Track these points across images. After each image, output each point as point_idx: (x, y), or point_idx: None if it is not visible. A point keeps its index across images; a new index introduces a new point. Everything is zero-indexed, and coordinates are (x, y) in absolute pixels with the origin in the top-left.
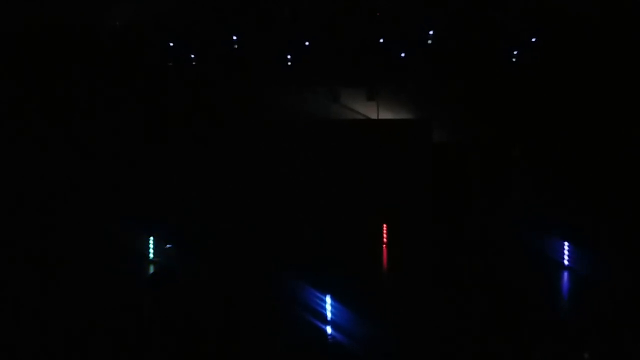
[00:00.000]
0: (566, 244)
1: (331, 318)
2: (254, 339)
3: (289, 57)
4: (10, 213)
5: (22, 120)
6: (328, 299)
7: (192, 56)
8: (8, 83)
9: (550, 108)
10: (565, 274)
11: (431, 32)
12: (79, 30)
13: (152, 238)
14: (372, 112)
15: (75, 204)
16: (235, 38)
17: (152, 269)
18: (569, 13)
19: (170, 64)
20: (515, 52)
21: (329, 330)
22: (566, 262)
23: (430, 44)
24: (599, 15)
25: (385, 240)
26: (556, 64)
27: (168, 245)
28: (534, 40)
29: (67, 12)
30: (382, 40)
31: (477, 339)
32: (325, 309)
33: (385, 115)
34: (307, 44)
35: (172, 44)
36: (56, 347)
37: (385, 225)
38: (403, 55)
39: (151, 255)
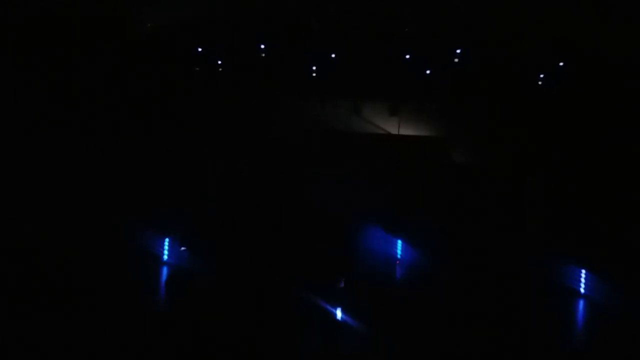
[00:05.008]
0: (582, 271)
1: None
2: (269, 342)
3: (314, 68)
4: (21, 213)
5: (39, 115)
6: (338, 312)
7: (219, 62)
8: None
9: (572, 131)
10: (581, 302)
11: (458, 51)
12: (109, 27)
13: (167, 240)
14: (393, 127)
15: (90, 205)
16: (262, 47)
17: (166, 272)
18: (593, 37)
19: (197, 69)
20: (541, 75)
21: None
22: (582, 290)
23: (455, 63)
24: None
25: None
26: (582, 87)
27: (182, 248)
28: (561, 64)
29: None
30: (407, 57)
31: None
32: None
33: (406, 131)
34: (333, 56)
35: (200, 49)
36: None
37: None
38: (428, 72)
39: (165, 257)
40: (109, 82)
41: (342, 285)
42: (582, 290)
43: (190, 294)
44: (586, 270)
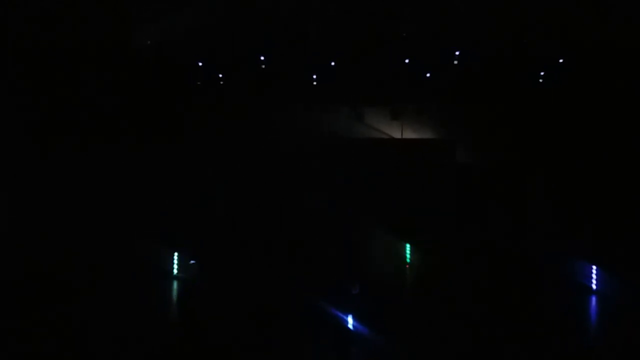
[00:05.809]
0: (593, 267)
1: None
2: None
3: (314, 76)
4: (29, 228)
5: (44, 136)
6: (350, 319)
7: (220, 75)
8: (33, 98)
9: (576, 130)
10: (593, 298)
11: (457, 53)
12: (109, 47)
13: (176, 253)
14: (396, 131)
15: (100, 219)
16: (262, 58)
17: (176, 285)
18: (594, 36)
19: (199, 83)
20: (542, 73)
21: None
22: (594, 286)
23: (455, 65)
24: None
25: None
26: (583, 86)
27: (192, 261)
28: (561, 61)
29: (98, 29)
30: (407, 61)
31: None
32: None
33: (409, 134)
34: (333, 63)
35: (200, 64)
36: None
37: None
38: (428, 75)
39: (175, 271)
40: (109, 93)
41: (357, 291)
42: (593, 287)
43: (202, 307)
44: (597, 267)
